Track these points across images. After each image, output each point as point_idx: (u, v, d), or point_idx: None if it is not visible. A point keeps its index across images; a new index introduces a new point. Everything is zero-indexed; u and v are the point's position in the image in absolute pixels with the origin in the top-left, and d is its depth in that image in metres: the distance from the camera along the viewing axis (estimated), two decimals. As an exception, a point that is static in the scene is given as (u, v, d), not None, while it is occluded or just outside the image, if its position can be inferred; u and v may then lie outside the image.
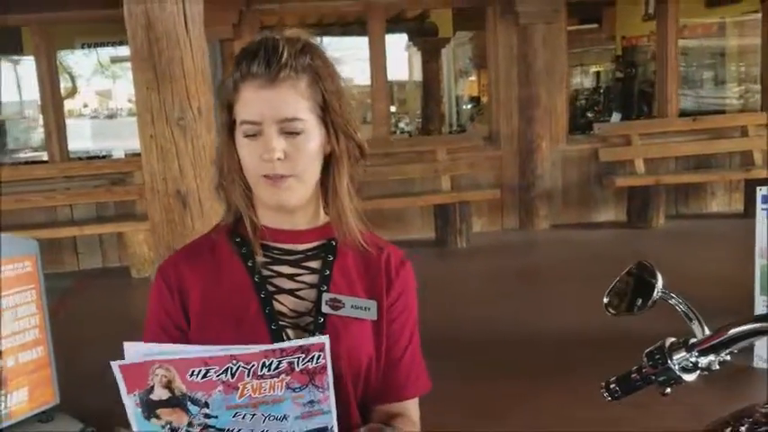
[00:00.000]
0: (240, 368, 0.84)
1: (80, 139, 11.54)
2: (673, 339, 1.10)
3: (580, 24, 10.68)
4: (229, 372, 0.84)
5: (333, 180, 1.12)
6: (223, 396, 0.85)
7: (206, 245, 1.15)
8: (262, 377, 0.85)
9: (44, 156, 7.23)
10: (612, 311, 1.23)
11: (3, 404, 2.88)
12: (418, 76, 12.10)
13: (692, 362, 1.07)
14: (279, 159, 1.03)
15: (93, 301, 5.31)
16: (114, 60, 14.51)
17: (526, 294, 4.95)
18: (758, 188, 3.35)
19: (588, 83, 12.65)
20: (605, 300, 1.24)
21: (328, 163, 1.11)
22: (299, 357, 0.85)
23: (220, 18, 5.70)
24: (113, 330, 5.13)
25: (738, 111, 9.23)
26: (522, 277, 5.40)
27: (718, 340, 1.05)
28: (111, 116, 21.74)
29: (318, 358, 0.86)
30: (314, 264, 1.12)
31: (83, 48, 9.25)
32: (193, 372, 0.84)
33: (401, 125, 11.68)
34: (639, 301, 1.17)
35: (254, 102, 1.03)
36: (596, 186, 6.84)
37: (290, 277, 1.11)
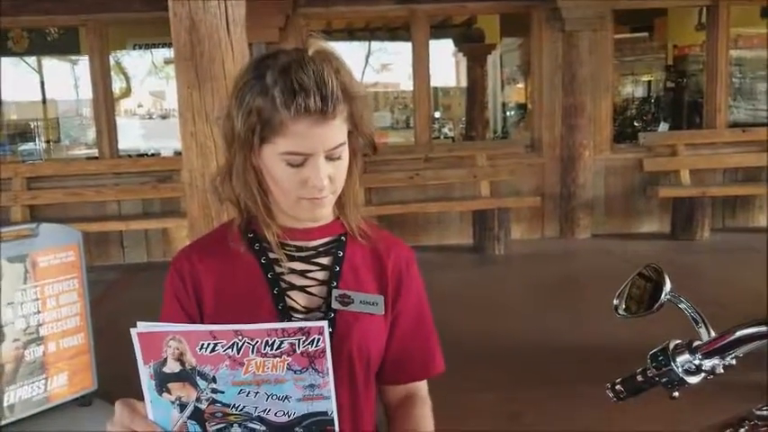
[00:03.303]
0: (245, 344, 0.89)
1: (133, 138, 11.86)
2: (677, 341, 1.11)
3: (631, 33, 10.52)
4: (235, 347, 0.89)
5: (347, 176, 1.13)
6: (229, 371, 0.90)
7: (219, 240, 1.17)
8: (265, 355, 0.90)
9: (96, 153, 7.46)
10: (622, 314, 1.23)
11: (44, 388, 3.00)
12: (464, 81, 12.07)
13: (695, 364, 1.07)
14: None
15: (136, 294, 5.45)
16: (168, 62, 14.87)
17: (563, 304, 4.91)
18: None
19: (639, 92, 12.44)
20: (615, 302, 1.25)
21: None
22: (299, 339, 0.90)
23: (267, 22, 5.81)
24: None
25: (793, 123, 8.97)
26: (560, 286, 5.35)
27: (721, 343, 1.05)
28: (164, 116, 22.23)
29: (318, 342, 0.90)
30: (324, 260, 1.15)
31: (134, 48, 9.50)
32: (202, 345, 0.89)
33: (444, 130, 11.66)
34: (648, 304, 1.18)
35: (306, 136, 1.03)
36: (640, 197, 6.74)
37: (302, 274, 1.14)
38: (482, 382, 3.36)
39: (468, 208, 6.37)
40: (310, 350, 0.90)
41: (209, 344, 0.89)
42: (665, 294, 1.15)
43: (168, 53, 13.55)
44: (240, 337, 0.89)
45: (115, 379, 3.19)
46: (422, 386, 1.24)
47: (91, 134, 11.96)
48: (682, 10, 8.97)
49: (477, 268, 5.93)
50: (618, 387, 1.17)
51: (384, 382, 1.21)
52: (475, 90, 10.46)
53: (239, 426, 0.92)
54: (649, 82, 12.32)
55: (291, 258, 1.14)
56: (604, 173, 6.73)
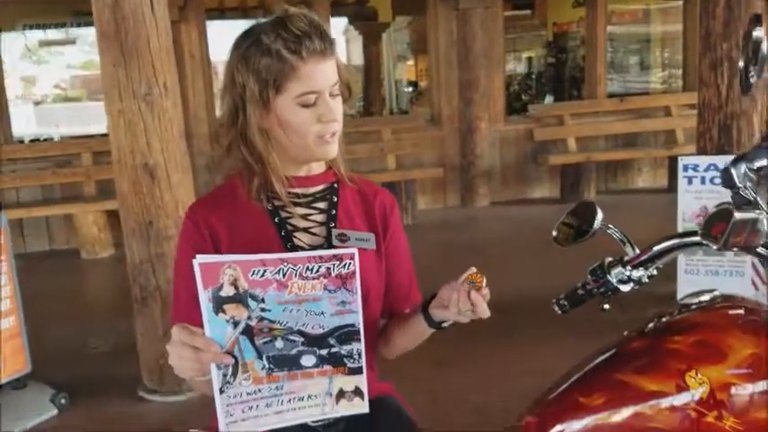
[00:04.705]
0: (290, 269, 1.07)
1: (16, 123, 11.24)
2: (610, 258, 1.35)
3: (514, 10, 11.05)
4: (281, 272, 1.07)
5: None
6: (276, 292, 1.07)
7: (226, 193, 1.32)
8: (306, 278, 1.08)
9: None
10: (560, 243, 1.46)
11: (-24, 373, 2.96)
12: (356, 59, 12.26)
13: (626, 275, 1.32)
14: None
15: (41, 283, 5.30)
16: (43, 44, 14.08)
17: (469, 264, 5.22)
18: (680, 158, 3.70)
19: (521, 68, 13.05)
20: (554, 233, 1.46)
21: None
22: (334, 264, 1.09)
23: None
24: (69, 309, 5.14)
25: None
26: (465, 250, 5.69)
27: (646, 256, 1.31)
28: (37, 102, 21.03)
29: (349, 266, 1.10)
30: (322, 205, 1.33)
31: (25, 29, 8.99)
32: (254, 271, 1.06)
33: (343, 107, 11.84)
34: (583, 232, 1.42)
35: (315, 74, 1.19)
36: (532, 164, 7.19)
37: (304, 217, 1.31)
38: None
39: (375, 181, 6.57)
40: (343, 273, 1.09)
41: (259, 270, 1.06)
42: (598, 222, 1.38)
43: (43, 35, 12.84)
44: (285, 264, 1.07)
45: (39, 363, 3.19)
46: None
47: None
48: (561, -12, 9.51)
49: (388, 238, 6.17)
50: (562, 301, 1.40)
51: (384, 313, 1.38)
52: (371, 67, 10.68)
53: (282, 338, 1.09)
54: (530, 58, 12.98)
55: (295, 204, 1.30)
56: (499, 143, 7.13)
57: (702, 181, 3.57)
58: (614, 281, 1.32)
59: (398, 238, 1.40)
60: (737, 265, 3.48)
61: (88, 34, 13.41)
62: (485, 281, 1.20)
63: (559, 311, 1.40)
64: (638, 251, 1.35)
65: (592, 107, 7.31)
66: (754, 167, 1.04)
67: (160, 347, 3.10)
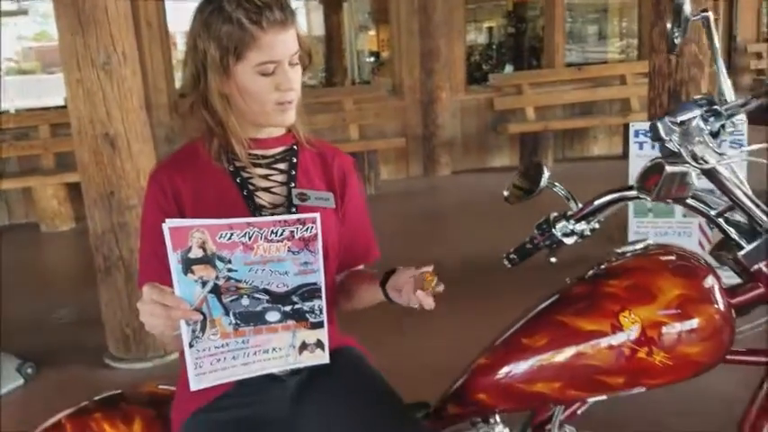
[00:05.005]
0: (255, 233, 1.13)
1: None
2: (555, 213, 1.44)
3: (474, -20, 11.06)
4: (247, 235, 1.12)
5: None
6: (242, 254, 1.12)
7: (189, 155, 1.36)
8: (271, 241, 1.14)
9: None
10: (511, 202, 1.54)
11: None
12: (317, 29, 12.14)
13: (570, 229, 1.41)
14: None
15: (5, 256, 5.25)
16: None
17: (431, 232, 5.35)
18: (631, 124, 3.83)
19: (482, 38, 13.10)
20: (505, 193, 1.55)
21: None
22: (297, 227, 1.15)
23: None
24: (31, 282, 5.10)
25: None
26: (428, 218, 5.79)
27: (587, 210, 1.40)
28: (-11, 75, 20.42)
29: (311, 229, 1.16)
30: (282, 166, 1.38)
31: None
32: (221, 234, 1.11)
33: (304, 79, 11.76)
34: (531, 189, 1.50)
35: (275, 44, 1.23)
36: (492, 134, 7.28)
37: (265, 177, 1.36)
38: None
39: (338, 151, 6.61)
40: (306, 236, 1.16)
41: (227, 233, 1.11)
42: (545, 180, 1.47)
43: (-7, 5, 12.45)
44: (252, 228, 1.12)
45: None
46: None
47: None
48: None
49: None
50: (511, 255, 1.48)
51: (341, 267, 1.45)
52: (332, 38, 10.62)
53: (248, 297, 1.15)
54: (491, 28, 13.03)
55: (255, 165, 1.35)
56: (460, 113, 7.19)
57: (653, 146, 3.69)
58: (559, 234, 1.41)
59: (357, 199, 1.46)
60: (685, 226, 3.64)
61: (40, 5, 13.06)
62: (434, 282, 1.23)
63: (509, 265, 1.49)
64: (580, 205, 1.44)
65: (550, 76, 7.40)
66: (677, 121, 1.13)
67: (125, 316, 3.15)
